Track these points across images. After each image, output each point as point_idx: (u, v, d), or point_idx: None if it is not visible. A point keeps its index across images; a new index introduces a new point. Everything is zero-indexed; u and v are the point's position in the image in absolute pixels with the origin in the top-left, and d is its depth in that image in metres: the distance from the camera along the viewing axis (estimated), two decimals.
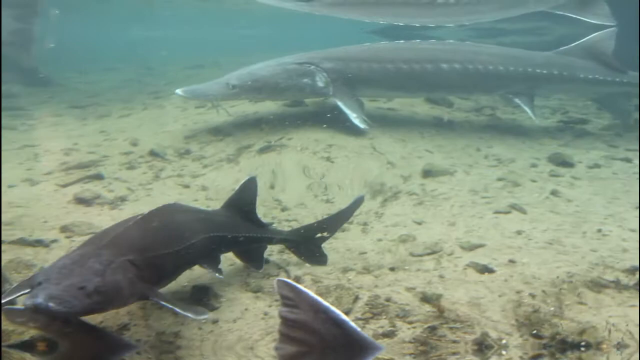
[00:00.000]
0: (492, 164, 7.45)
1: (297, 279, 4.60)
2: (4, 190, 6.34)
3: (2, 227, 5.29)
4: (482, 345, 3.86)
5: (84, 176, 6.65)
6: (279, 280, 3.04)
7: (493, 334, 3.93)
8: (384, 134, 7.89)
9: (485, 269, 4.65)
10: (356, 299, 4.29)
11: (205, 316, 3.35)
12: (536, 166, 7.39)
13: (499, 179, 6.84)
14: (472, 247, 5.10)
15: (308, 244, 4.85)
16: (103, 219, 5.62)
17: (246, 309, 4.20)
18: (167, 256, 3.67)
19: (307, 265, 4.87)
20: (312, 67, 7.82)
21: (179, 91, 7.59)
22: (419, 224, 5.80)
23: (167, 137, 7.96)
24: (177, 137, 7.95)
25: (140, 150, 7.59)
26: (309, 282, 4.57)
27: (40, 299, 2.85)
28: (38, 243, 5.01)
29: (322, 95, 7.91)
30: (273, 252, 5.10)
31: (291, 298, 2.97)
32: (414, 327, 3.99)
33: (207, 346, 3.83)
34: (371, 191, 6.60)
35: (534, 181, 6.85)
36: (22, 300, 3.21)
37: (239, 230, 4.39)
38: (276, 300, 4.23)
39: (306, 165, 6.97)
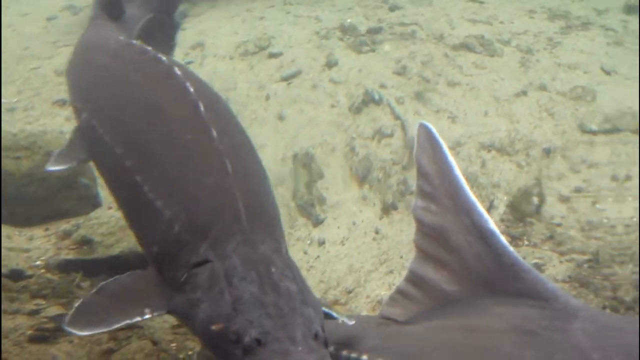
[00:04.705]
0: None
1: None
2: None
3: None
4: None
5: None
6: (421, 125, 1.96)
7: None
8: None
9: None
10: (490, 206, 3.21)
11: (353, 322, 2.33)
12: None
13: None
14: None
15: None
16: None
17: (354, 223, 3.48)
18: None
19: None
20: None
21: None
22: (608, 74, 4.40)
23: None
24: None
25: None
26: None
27: None
28: None
29: None
30: None
31: (429, 174, 1.90)
32: (569, 260, 2.95)
33: (314, 278, 3.20)
34: (549, 13, 5.30)
35: None
36: None
37: None
38: (388, 204, 3.48)
39: None
